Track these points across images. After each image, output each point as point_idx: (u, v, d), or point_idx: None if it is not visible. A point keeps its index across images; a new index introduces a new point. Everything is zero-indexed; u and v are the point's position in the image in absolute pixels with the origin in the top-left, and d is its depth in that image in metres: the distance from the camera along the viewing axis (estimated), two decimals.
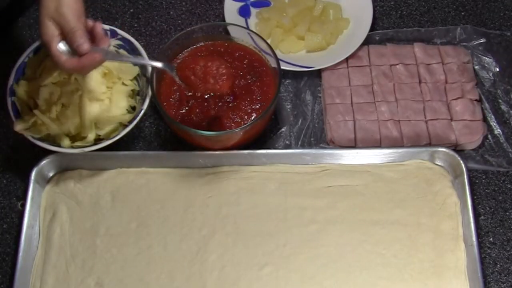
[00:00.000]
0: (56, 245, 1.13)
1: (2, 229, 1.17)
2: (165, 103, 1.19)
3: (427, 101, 1.27)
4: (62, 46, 0.98)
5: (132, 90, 1.23)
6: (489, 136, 1.25)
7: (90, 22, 1.01)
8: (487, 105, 1.28)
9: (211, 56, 1.17)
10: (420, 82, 1.29)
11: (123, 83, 1.22)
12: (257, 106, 1.18)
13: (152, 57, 1.30)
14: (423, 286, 1.08)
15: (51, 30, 0.97)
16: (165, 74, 1.22)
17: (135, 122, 1.17)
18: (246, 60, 1.23)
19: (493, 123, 1.26)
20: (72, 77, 1.18)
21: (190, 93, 1.19)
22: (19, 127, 1.14)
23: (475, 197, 1.19)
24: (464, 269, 1.09)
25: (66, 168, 1.20)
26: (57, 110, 1.17)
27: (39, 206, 1.16)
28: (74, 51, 0.98)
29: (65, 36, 0.97)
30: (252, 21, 1.38)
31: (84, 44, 0.97)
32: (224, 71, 1.12)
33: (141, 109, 1.18)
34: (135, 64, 1.21)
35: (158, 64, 1.11)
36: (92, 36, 1.00)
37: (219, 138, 1.17)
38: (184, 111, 1.18)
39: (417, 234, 1.12)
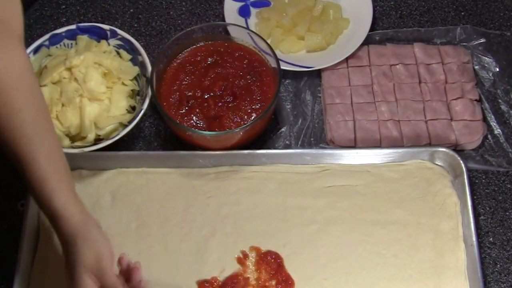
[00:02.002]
0: (56, 245, 1.13)
1: (2, 229, 1.17)
2: (165, 103, 1.19)
3: (427, 101, 1.27)
4: None
5: (132, 90, 1.24)
6: (489, 136, 1.25)
7: (124, 262, 0.98)
8: (487, 105, 1.28)
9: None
10: (420, 82, 1.29)
11: (123, 83, 1.23)
12: (257, 106, 1.18)
13: (152, 57, 1.30)
14: (423, 286, 1.08)
15: (89, 284, 0.90)
16: (165, 74, 1.22)
17: (135, 122, 1.17)
18: (246, 60, 1.23)
19: (493, 123, 1.26)
20: (72, 77, 1.19)
21: (190, 93, 1.20)
22: None
23: (475, 197, 1.19)
24: (464, 269, 1.09)
25: None
26: (57, 110, 1.17)
27: None
28: None
29: None
30: (252, 21, 1.38)
31: None
32: None
33: (141, 109, 1.18)
34: None
35: None
36: (125, 274, 0.97)
37: (219, 138, 1.17)
38: (184, 111, 1.18)
39: (417, 234, 1.12)
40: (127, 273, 0.97)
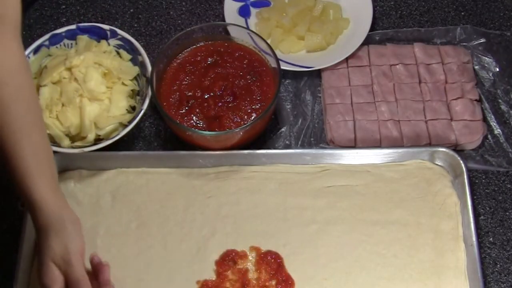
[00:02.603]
0: None
1: (2, 229, 1.17)
2: (165, 103, 1.19)
3: (427, 101, 1.27)
4: None
5: (132, 90, 1.24)
6: (489, 136, 1.25)
7: (95, 259, 0.99)
8: (487, 105, 1.28)
9: None
10: (420, 82, 1.29)
11: (123, 83, 1.23)
12: (257, 106, 1.18)
13: (152, 57, 1.30)
14: (423, 286, 1.08)
15: (55, 274, 0.92)
16: (165, 74, 1.22)
17: (135, 122, 1.17)
18: (246, 60, 1.23)
19: (493, 123, 1.26)
20: (72, 77, 1.19)
21: (190, 93, 1.20)
22: None
23: (475, 197, 1.19)
24: (464, 269, 1.09)
25: (66, 168, 1.20)
26: (57, 110, 1.17)
27: None
28: None
29: (68, 283, 0.92)
30: (252, 21, 1.38)
31: None
32: None
33: (141, 109, 1.18)
34: None
35: None
36: (94, 271, 0.98)
37: (219, 138, 1.17)
38: (184, 111, 1.19)
39: (417, 234, 1.12)
40: (97, 271, 0.98)
